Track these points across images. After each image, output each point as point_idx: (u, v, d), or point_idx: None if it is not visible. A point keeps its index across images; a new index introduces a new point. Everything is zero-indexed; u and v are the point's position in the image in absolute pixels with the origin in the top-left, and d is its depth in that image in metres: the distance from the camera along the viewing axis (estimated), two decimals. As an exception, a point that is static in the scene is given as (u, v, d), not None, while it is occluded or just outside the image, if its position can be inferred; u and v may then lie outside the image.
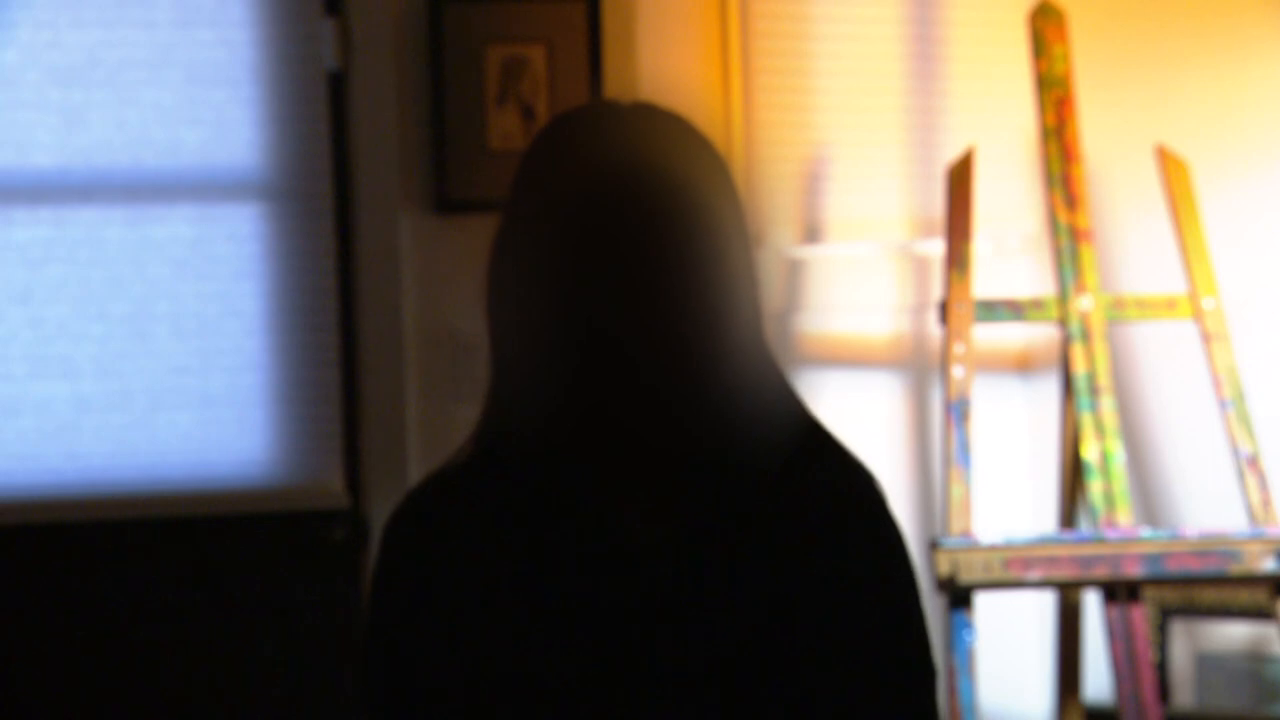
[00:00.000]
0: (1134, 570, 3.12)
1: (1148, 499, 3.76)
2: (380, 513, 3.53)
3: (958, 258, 3.33)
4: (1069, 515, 3.43)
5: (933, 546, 3.11)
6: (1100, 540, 3.13)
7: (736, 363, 1.68)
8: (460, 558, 1.70)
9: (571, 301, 1.64)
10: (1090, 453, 3.24)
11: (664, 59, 3.66)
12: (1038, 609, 3.77)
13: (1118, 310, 3.36)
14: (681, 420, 1.67)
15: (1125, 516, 3.19)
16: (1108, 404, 3.27)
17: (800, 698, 1.68)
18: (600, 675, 1.66)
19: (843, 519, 1.73)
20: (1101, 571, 3.12)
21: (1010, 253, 3.85)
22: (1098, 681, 3.57)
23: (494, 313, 1.71)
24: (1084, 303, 3.33)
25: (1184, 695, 3.67)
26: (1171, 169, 3.38)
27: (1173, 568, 3.12)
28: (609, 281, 1.64)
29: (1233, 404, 3.25)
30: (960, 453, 3.20)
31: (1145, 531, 3.19)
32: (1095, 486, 3.22)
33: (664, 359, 1.65)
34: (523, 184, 1.71)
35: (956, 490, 3.17)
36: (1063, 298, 3.34)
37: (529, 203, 1.69)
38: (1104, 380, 3.29)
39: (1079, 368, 3.30)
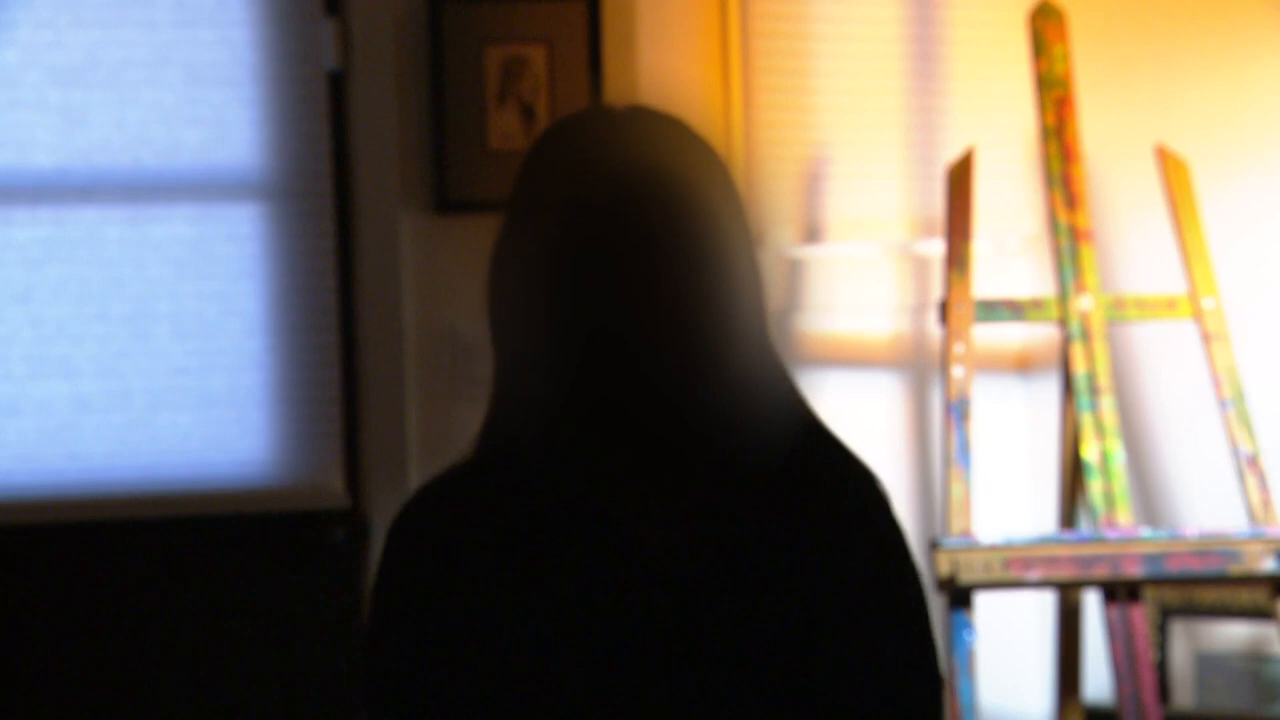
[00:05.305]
0: (1134, 570, 3.12)
1: (1148, 499, 3.76)
2: (380, 513, 3.54)
3: (958, 258, 3.33)
4: (1069, 515, 3.43)
5: (933, 546, 3.10)
6: (1100, 540, 3.13)
7: (740, 361, 1.69)
8: (465, 558, 1.70)
9: (574, 302, 1.65)
10: (1090, 453, 3.24)
11: (664, 59, 3.66)
12: (1038, 609, 3.77)
13: (1118, 310, 3.36)
14: (686, 419, 1.68)
15: (1125, 516, 3.19)
16: (1108, 404, 3.27)
17: (804, 698, 1.68)
18: (607, 674, 1.66)
19: (846, 520, 1.73)
20: (1101, 571, 3.12)
21: (1010, 253, 3.85)
22: (1098, 681, 3.57)
23: (496, 315, 1.71)
24: (1084, 303, 3.33)
25: (1184, 695, 3.67)
26: (1171, 169, 3.38)
27: (1173, 568, 3.12)
28: (611, 282, 1.64)
29: (1233, 404, 3.25)
30: (960, 453, 3.20)
31: (1145, 531, 3.19)
32: (1095, 486, 3.22)
33: (667, 357, 1.65)
34: (523, 188, 1.71)
35: (956, 490, 3.17)
36: (1063, 298, 3.34)
37: (529, 206, 1.70)
38: (1104, 380, 3.29)
39: (1079, 368, 3.30)
